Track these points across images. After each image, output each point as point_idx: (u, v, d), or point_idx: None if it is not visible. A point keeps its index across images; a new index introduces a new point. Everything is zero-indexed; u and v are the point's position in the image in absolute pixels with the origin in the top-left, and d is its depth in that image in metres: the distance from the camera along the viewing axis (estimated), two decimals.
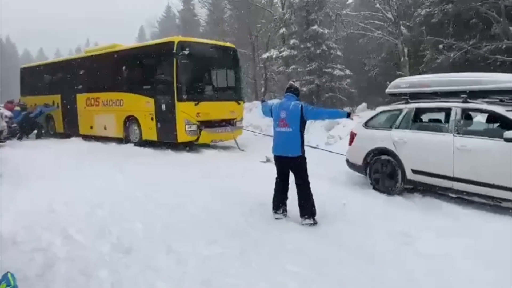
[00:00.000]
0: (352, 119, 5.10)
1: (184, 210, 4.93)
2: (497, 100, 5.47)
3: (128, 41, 14.67)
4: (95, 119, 12.18)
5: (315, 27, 18.07)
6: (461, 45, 15.95)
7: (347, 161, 6.81)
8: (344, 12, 19.79)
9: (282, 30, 19.73)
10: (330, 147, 9.80)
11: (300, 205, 4.64)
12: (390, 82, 19.80)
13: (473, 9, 15.16)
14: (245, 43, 25.46)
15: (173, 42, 9.53)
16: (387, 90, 6.61)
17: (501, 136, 4.79)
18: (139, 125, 10.60)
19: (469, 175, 5.11)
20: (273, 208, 4.81)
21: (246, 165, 7.88)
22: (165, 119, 9.76)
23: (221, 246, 3.82)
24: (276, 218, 4.72)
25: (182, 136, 9.56)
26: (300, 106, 4.62)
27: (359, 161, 6.43)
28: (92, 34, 77.03)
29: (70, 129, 13.32)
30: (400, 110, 6.13)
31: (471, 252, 3.74)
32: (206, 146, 10.33)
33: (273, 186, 4.91)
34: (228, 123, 10.24)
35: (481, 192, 5.03)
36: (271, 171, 6.89)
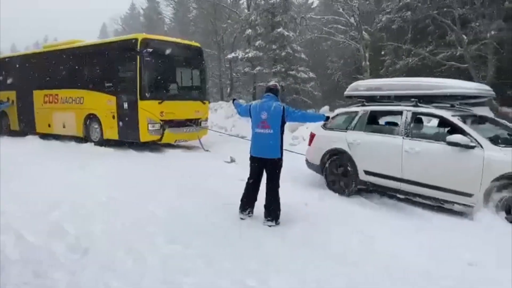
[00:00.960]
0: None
1: (146, 209, 4.83)
2: (448, 105, 5.70)
3: (89, 38, 14.11)
4: (53, 117, 11.71)
5: (280, 29, 18.30)
6: (419, 51, 16.65)
7: (306, 161, 6.94)
8: (309, 15, 20.14)
9: (248, 31, 19.80)
10: (294, 148, 9.93)
11: (266, 207, 4.63)
12: None
13: (430, 17, 15.88)
14: (211, 43, 25.37)
15: (136, 39, 9.35)
16: (346, 93, 6.79)
17: (445, 140, 4.99)
18: (100, 124, 10.30)
19: (416, 177, 5.28)
20: (240, 208, 4.77)
21: (210, 165, 7.85)
22: (127, 118, 9.55)
23: (183, 245, 3.79)
24: (241, 218, 4.70)
25: (145, 135, 9.37)
26: (282, 107, 4.58)
27: (316, 161, 6.57)
28: (51, 30, 73.74)
29: (26, 127, 12.74)
30: (356, 113, 6.29)
31: (425, 248, 3.91)
32: (170, 146, 10.19)
33: (238, 186, 4.90)
34: (193, 123, 10.12)
35: (426, 193, 5.22)
36: (236, 171, 6.98)
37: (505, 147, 4.73)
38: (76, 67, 11.03)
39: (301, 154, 7.57)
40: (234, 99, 5.50)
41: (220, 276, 3.22)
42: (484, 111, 6.73)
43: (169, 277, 3.17)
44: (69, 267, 3.28)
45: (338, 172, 6.25)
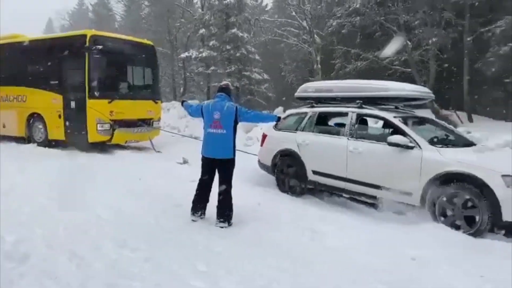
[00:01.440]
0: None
1: (92, 212, 4.65)
2: (393, 107, 5.97)
3: (34, 33, 13.29)
4: None
5: (235, 30, 18.36)
6: (367, 55, 17.35)
7: (259, 161, 6.99)
8: (263, 17, 20.34)
9: (202, 31, 19.67)
10: (248, 148, 9.97)
11: (219, 208, 4.58)
12: None
13: (377, 23, 16.59)
14: (164, 42, 24.90)
15: (85, 36, 8.94)
16: (296, 94, 6.89)
17: (386, 141, 5.15)
18: (44, 124, 9.76)
19: (360, 176, 5.44)
20: (192, 210, 4.69)
21: (162, 166, 7.69)
22: (75, 118, 9.13)
23: (130, 249, 3.68)
24: (193, 220, 4.62)
25: (94, 136, 9.00)
26: (235, 108, 4.57)
27: (268, 161, 6.64)
28: None
29: None
30: (306, 114, 6.42)
31: (370, 244, 4.08)
32: (120, 146, 9.85)
33: (190, 187, 4.83)
34: (145, 123, 9.82)
35: (370, 193, 5.36)
36: (188, 172, 6.89)
37: (441, 147, 4.96)
38: (18, 63, 10.39)
39: (254, 154, 7.63)
40: (183, 101, 5.39)
41: (167, 279, 3.17)
42: (426, 113, 7.15)
43: (114, 282, 3.07)
44: (5, 276, 3.08)
45: (288, 173, 6.34)
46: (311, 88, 6.63)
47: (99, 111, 8.93)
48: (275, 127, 6.72)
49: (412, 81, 16.28)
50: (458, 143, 5.42)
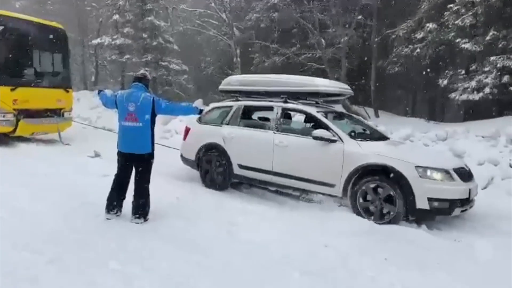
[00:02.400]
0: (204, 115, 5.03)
1: None
2: (314, 102, 6.17)
3: None
4: None
5: (151, 18, 17.64)
6: (284, 51, 17.86)
7: (181, 156, 6.82)
8: (181, 7, 19.81)
9: (116, 17, 18.56)
10: (166, 141, 9.69)
11: (134, 203, 4.37)
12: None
13: (294, 20, 17.14)
14: (73, 26, 23.03)
15: None
16: (220, 87, 6.84)
17: (310, 134, 5.35)
18: None
19: (285, 169, 5.56)
20: (107, 208, 4.40)
21: (71, 161, 7.14)
22: None
23: (33, 252, 3.35)
24: (108, 219, 4.36)
25: None
26: (151, 99, 4.32)
27: (192, 156, 6.49)
28: None
29: None
30: (231, 107, 6.38)
31: (284, 234, 4.21)
32: (23, 139, 8.91)
33: (103, 183, 4.57)
34: (54, 113, 8.97)
35: (295, 185, 5.56)
36: (100, 166, 6.49)
37: (361, 141, 5.25)
38: None
39: (175, 148, 7.42)
40: (100, 91, 4.98)
41: (74, 280, 2.95)
42: (338, 108, 7.56)
43: (14, 286, 2.77)
44: None
45: (213, 167, 6.24)
46: (235, 81, 6.59)
47: (0, 100, 8.03)
48: (199, 120, 6.58)
49: (325, 77, 17.18)
50: (374, 137, 5.79)
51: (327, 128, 5.31)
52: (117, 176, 4.48)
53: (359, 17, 16.26)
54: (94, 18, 23.31)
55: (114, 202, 4.41)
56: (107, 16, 20.03)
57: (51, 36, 9.31)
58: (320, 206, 5.46)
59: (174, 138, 10.30)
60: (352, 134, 5.52)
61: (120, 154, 4.45)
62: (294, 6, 16.88)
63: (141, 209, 4.37)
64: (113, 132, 7.31)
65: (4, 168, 6.07)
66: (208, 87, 24.26)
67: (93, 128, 10.41)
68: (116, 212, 4.42)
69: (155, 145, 4.54)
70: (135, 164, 4.41)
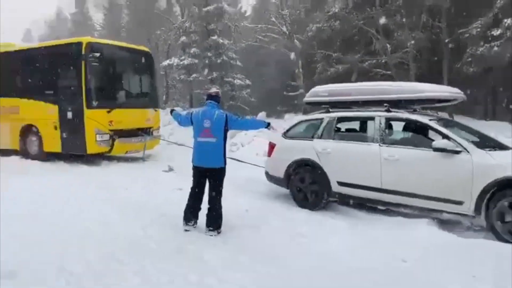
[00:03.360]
0: (270, 129, 4.94)
1: (78, 224, 4.52)
2: (411, 110, 5.43)
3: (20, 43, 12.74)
4: None
5: (215, 37, 18.33)
6: (347, 59, 17.55)
7: (267, 173, 6.37)
8: (242, 24, 20.38)
9: (182, 38, 19.58)
10: (233, 154, 9.92)
11: (208, 216, 4.52)
12: (287, 91, 20.89)
13: (356, 27, 16.82)
14: None
15: (80, 43, 8.56)
16: (305, 99, 6.41)
17: (428, 146, 4.76)
18: (38, 136, 9.30)
19: (398, 186, 4.94)
20: (185, 220, 4.58)
21: (147, 175, 7.57)
22: (72, 129, 8.70)
23: (117, 262, 3.58)
24: (186, 230, 4.53)
25: (92, 147, 8.57)
26: (225, 115, 4.50)
27: (279, 173, 5.99)
28: None
29: None
30: (321, 120, 5.85)
31: (357, 247, 4.07)
32: (105, 157, 9.45)
33: (177, 196, 4.77)
34: (144, 132, 9.39)
35: (410, 203, 4.88)
36: (174, 180, 6.80)
37: (490, 150, 4.59)
38: (11, 73, 9.95)
39: (256, 165, 7.35)
40: (172, 110, 5.18)
41: None
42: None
43: None
44: None
45: (306, 184, 5.70)
46: (323, 92, 6.01)
47: (98, 121, 8.55)
48: (284, 135, 6.15)
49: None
50: (496, 146, 4.97)
51: (447, 137, 4.68)
52: (193, 189, 4.63)
53: (426, 18, 15.54)
54: (163, 41, 24.76)
55: (191, 214, 4.58)
56: (175, 38, 21.18)
57: (140, 59, 9.78)
58: (397, 219, 5.08)
59: (240, 151, 10.52)
60: (476, 143, 4.81)
61: (195, 168, 4.60)
62: (356, 13, 16.59)
63: (215, 222, 4.50)
64: (186, 146, 7.64)
65: (89, 184, 6.61)
66: (270, 100, 24.54)
67: (168, 143, 10.87)
68: (193, 224, 4.58)
69: (228, 159, 4.67)
70: (209, 177, 4.55)
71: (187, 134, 9.60)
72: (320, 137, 5.74)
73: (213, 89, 4.89)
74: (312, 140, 5.78)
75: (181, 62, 19.34)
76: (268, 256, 3.83)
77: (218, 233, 4.48)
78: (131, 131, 9.03)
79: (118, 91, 9.24)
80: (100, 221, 4.68)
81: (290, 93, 20.10)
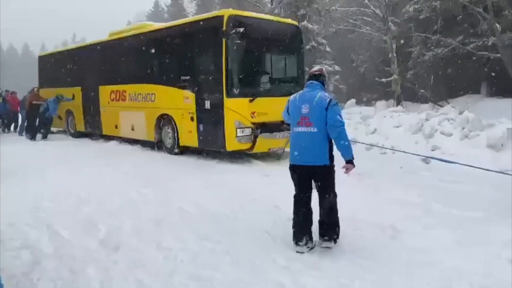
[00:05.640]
0: (345, 170, 3.62)
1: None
2: None
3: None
4: (121, 117, 10.04)
5: (305, 22, 18.08)
6: (449, 41, 16.11)
7: None
8: (333, 8, 19.78)
9: None
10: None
11: (321, 223, 3.66)
12: (379, 78, 19.93)
13: (459, 5, 15.30)
14: None
15: (221, 17, 7.19)
16: None
17: None
18: (174, 127, 8.37)
19: None
20: (295, 238, 3.64)
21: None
22: (210, 120, 7.55)
23: (211, 242, 3.78)
24: (298, 252, 3.56)
25: (232, 143, 7.25)
26: (328, 100, 3.51)
27: None
28: (77, 29, 75.45)
29: (92, 128, 11.46)
30: None
31: (454, 246, 3.76)
32: (229, 154, 7.95)
33: (265, 182, 4.64)
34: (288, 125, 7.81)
35: None
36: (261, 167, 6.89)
37: None
38: (146, 57, 9.21)
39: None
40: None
41: (247, 272, 3.20)
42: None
43: (198, 273, 3.17)
44: (101, 263, 3.34)
45: None
46: None
47: (238, 113, 7.21)
48: None
49: (501, 67, 14.83)
50: None
51: None
52: (296, 197, 3.72)
53: None
54: None
55: (300, 230, 3.64)
56: None
57: (287, 36, 8.13)
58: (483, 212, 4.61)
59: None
60: None
61: (292, 168, 3.69)
62: None
63: (330, 230, 3.65)
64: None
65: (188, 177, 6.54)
66: (360, 86, 23.65)
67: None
68: (306, 243, 3.60)
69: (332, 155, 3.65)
70: (314, 178, 3.65)
71: (397, 132, 9.33)
72: None
73: (316, 67, 3.96)
74: None
75: None
76: (361, 248, 3.72)
77: (335, 243, 3.67)
78: (275, 124, 7.28)
79: (262, 75, 7.79)
80: (200, 206, 4.94)
81: (383, 79, 19.13)
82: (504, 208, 4.73)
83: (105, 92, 10.65)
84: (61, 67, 12.90)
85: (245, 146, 7.34)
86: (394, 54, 18.11)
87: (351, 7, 20.17)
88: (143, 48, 9.33)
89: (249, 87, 7.42)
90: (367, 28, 19.30)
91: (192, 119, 7.84)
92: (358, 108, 14.74)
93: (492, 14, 14.41)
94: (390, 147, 8.51)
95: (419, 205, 5.05)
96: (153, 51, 9.03)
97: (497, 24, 14.44)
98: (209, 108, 7.53)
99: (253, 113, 7.32)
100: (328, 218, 3.65)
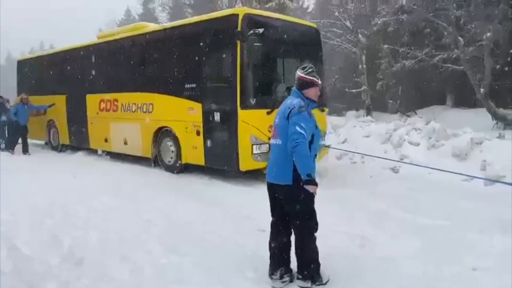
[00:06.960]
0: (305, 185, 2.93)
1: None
2: None
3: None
4: (112, 129, 8.97)
5: None
6: (415, 53, 16.67)
7: None
8: (304, 19, 20.11)
9: None
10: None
11: (297, 257, 3.15)
12: (349, 88, 20.24)
13: (426, 20, 15.89)
14: None
15: (235, 16, 6.26)
16: None
17: None
18: (176, 142, 7.41)
19: None
20: (269, 271, 3.17)
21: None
22: (220, 135, 6.64)
23: (179, 255, 3.69)
24: (272, 287, 3.11)
25: (247, 161, 6.31)
26: (291, 108, 2.98)
27: None
28: (45, 36, 73.13)
29: (78, 141, 10.26)
30: None
31: (422, 252, 3.83)
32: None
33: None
34: None
35: None
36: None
37: None
38: (143, 62, 8.17)
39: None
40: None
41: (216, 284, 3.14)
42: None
43: (166, 287, 3.08)
44: (63, 278, 3.20)
45: None
46: None
47: (254, 126, 6.29)
48: None
49: (465, 79, 15.44)
50: None
51: None
52: (271, 222, 3.26)
53: (505, 8, 14.23)
54: None
55: (274, 260, 3.16)
56: None
57: (308, 40, 7.35)
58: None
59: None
60: None
61: (267, 185, 3.20)
62: (425, 4, 15.67)
63: (304, 267, 3.11)
64: (368, 156, 6.67)
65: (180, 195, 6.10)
66: (332, 97, 24.00)
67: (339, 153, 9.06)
68: (282, 277, 3.11)
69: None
70: (281, 199, 3.13)
71: (367, 141, 9.07)
72: None
73: (298, 73, 3.26)
74: None
75: None
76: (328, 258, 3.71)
77: (313, 283, 3.09)
78: None
79: (280, 84, 6.80)
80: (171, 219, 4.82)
81: (353, 90, 19.55)
82: (469, 216, 4.88)
83: (93, 101, 9.53)
84: (43, 73, 11.61)
85: (261, 165, 6.14)
86: (364, 66, 18.55)
87: (321, 19, 20.55)
88: (139, 51, 8.30)
89: (267, 96, 6.49)
90: (337, 40, 19.70)
91: (198, 133, 6.88)
92: (329, 118, 14.92)
93: (455, 28, 15.04)
94: (361, 155, 8.59)
95: (387, 213, 5.12)
96: (151, 55, 8.05)
97: (460, 38, 15.08)
98: (219, 121, 6.58)
99: (271, 126, 6.39)
100: (300, 252, 3.10)
